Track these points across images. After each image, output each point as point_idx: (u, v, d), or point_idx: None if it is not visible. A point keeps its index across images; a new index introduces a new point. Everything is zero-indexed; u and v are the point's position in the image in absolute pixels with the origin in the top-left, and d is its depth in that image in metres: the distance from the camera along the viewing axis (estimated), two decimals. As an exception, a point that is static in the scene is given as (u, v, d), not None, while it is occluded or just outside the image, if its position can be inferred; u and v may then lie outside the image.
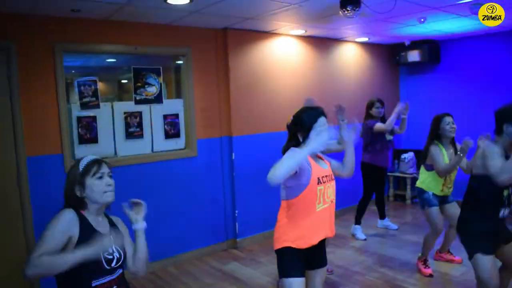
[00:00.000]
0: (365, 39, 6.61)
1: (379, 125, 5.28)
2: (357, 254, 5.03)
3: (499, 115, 2.93)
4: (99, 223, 2.13)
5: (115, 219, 2.31)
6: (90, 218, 2.09)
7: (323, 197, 2.54)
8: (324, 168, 2.64)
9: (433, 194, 4.22)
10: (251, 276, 4.53)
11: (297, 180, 2.49)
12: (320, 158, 2.72)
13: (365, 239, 5.45)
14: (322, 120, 2.54)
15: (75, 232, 1.99)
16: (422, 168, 4.35)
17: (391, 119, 5.14)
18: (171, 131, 4.86)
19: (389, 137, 5.46)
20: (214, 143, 5.23)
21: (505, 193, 2.90)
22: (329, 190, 2.59)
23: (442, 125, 4.14)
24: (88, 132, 4.28)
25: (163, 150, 4.83)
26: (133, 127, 4.57)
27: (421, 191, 4.31)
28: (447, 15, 4.87)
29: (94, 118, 4.31)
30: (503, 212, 2.93)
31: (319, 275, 2.73)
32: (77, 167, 2.11)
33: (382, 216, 5.91)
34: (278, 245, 2.62)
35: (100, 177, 2.09)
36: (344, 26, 5.40)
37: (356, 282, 4.26)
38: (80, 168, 2.10)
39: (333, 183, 2.66)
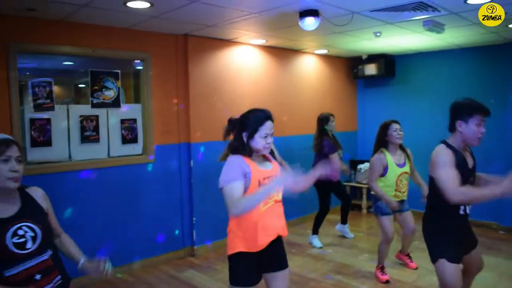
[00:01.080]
0: (324, 51, 6.76)
1: (335, 158, 5.34)
2: (313, 261, 5.09)
3: (452, 111, 2.88)
4: (5, 208, 1.89)
5: (34, 190, 2.08)
6: None
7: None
8: (266, 169, 2.55)
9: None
10: (207, 283, 4.50)
11: None
12: (267, 158, 2.66)
13: (321, 247, 5.52)
14: (268, 124, 2.48)
15: None
16: None
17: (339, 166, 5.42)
18: (129, 136, 4.79)
19: (341, 155, 5.58)
20: (173, 149, 5.18)
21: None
22: None
23: (390, 132, 4.28)
24: (42, 135, 4.15)
25: (120, 155, 4.75)
26: (89, 131, 4.48)
27: (375, 199, 4.43)
28: (401, 30, 5.06)
29: (48, 121, 4.19)
30: (464, 208, 2.83)
31: (281, 279, 2.61)
32: None
33: (344, 221, 5.99)
34: (229, 251, 2.58)
35: (5, 160, 1.86)
36: (304, 37, 5.52)
37: (311, 288, 4.31)
38: None
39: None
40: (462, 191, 2.60)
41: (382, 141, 4.34)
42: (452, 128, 2.87)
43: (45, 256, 1.94)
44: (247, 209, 2.33)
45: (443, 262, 2.82)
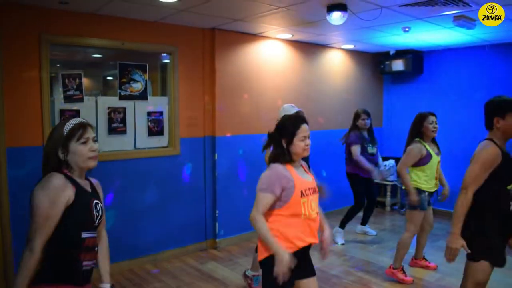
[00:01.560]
0: (351, 46, 6.69)
1: (354, 149, 5.38)
2: (335, 257, 5.07)
3: (489, 108, 2.86)
4: (84, 185, 2.09)
5: (94, 180, 2.25)
6: (78, 181, 2.05)
7: (308, 209, 2.53)
8: (308, 180, 2.64)
9: (428, 195, 4.25)
10: (228, 276, 4.54)
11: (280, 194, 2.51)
12: (304, 169, 2.72)
13: (343, 244, 5.50)
14: (304, 126, 2.58)
15: (70, 195, 1.96)
16: (410, 168, 4.29)
17: (363, 163, 5.31)
18: (155, 129, 4.85)
19: (372, 149, 5.50)
20: (197, 142, 5.23)
21: (510, 187, 2.79)
22: (313, 202, 2.59)
23: (426, 124, 4.20)
24: (71, 125, 4.24)
25: (145, 147, 4.81)
26: (116, 123, 4.55)
27: (420, 192, 4.22)
28: (430, 25, 4.97)
29: (77, 112, 4.28)
30: None
31: (313, 284, 2.71)
32: (62, 129, 2.03)
33: (364, 222, 5.97)
34: (262, 255, 2.57)
35: (84, 142, 2.02)
36: (331, 32, 5.48)
37: (333, 285, 4.30)
38: (64, 131, 2.02)
39: (317, 195, 2.66)
40: (467, 197, 2.74)
41: (418, 132, 4.26)
42: (489, 126, 2.87)
43: (96, 234, 2.15)
44: (254, 226, 2.52)
45: (485, 264, 2.77)
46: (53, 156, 2.01)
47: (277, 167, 2.55)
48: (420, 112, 4.33)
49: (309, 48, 6.32)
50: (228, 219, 5.43)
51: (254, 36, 5.56)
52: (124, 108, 4.61)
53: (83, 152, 2.02)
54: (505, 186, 2.79)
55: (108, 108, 4.51)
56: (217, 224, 5.37)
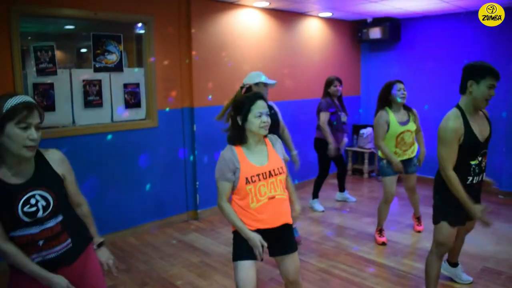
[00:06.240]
0: (328, 14, 6.65)
1: (322, 115, 5.35)
2: (314, 224, 5.18)
3: (466, 71, 2.86)
4: (17, 173, 1.82)
5: (51, 154, 1.98)
6: (1, 171, 1.77)
7: (256, 196, 2.46)
8: (260, 165, 2.50)
9: (387, 162, 4.31)
10: (210, 245, 4.60)
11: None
12: (268, 149, 2.62)
13: (323, 211, 5.60)
14: (260, 103, 2.48)
15: None
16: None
17: (327, 133, 5.28)
18: (132, 101, 4.79)
19: (344, 118, 5.52)
20: (176, 114, 5.19)
21: (473, 162, 2.86)
22: (263, 188, 2.47)
23: (393, 91, 4.27)
24: (45, 99, 4.16)
25: (123, 120, 4.76)
26: (92, 96, 4.48)
27: (378, 159, 4.42)
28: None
29: (51, 85, 4.19)
30: (471, 179, 2.89)
31: (288, 260, 2.61)
32: (2, 104, 1.72)
33: (342, 189, 6.07)
34: (232, 227, 2.61)
35: (25, 128, 1.74)
36: (308, -1, 5.42)
37: (313, 250, 4.40)
38: (4, 107, 1.71)
39: (273, 179, 2.51)
40: (450, 174, 2.81)
41: (385, 100, 4.33)
42: (463, 90, 2.88)
43: (52, 223, 1.89)
44: (223, 214, 2.59)
45: (444, 225, 2.97)
46: None
47: (225, 154, 2.54)
48: (388, 81, 4.38)
49: (286, 17, 6.26)
50: (208, 189, 5.45)
51: (231, 5, 5.46)
52: (100, 81, 4.53)
53: (19, 139, 1.73)
54: (468, 161, 2.85)
55: (83, 80, 4.42)
56: (197, 195, 5.40)
